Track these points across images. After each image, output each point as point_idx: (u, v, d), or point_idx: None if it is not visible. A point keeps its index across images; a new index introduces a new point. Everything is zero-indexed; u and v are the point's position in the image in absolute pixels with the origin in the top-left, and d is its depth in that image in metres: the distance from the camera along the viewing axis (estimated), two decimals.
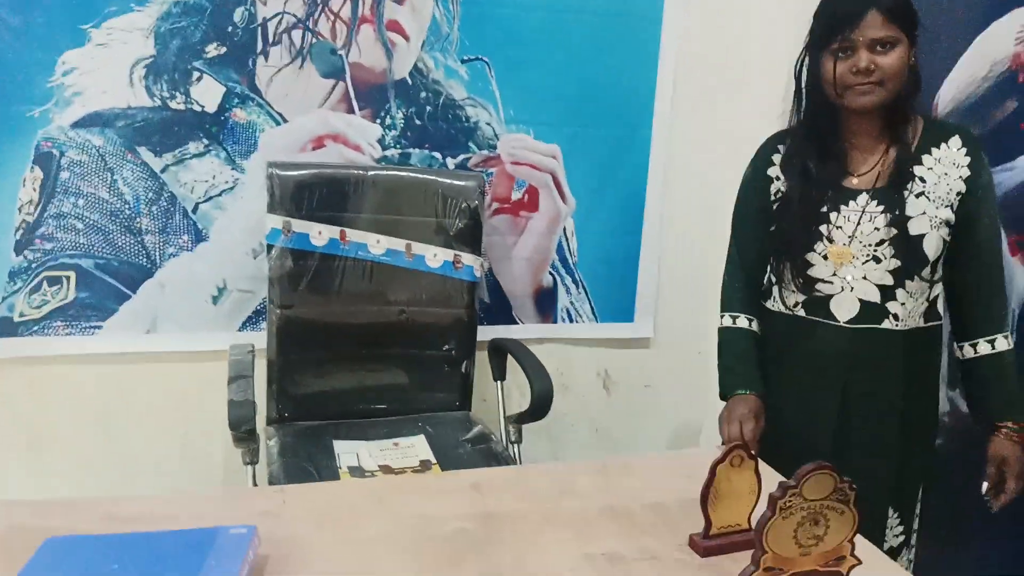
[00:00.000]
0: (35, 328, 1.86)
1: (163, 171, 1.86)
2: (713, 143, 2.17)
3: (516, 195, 2.11)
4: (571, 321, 2.23)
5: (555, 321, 2.22)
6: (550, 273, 2.18)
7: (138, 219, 1.87)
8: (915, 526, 1.57)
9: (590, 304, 2.23)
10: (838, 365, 1.49)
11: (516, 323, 2.18)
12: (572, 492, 1.26)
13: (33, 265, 1.83)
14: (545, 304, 2.20)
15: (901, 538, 1.54)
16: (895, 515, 1.53)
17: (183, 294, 1.93)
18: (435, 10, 1.94)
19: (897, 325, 1.45)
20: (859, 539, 1.00)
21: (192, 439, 1.99)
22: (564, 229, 2.17)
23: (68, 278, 1.86)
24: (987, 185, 1.44)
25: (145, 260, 1.89)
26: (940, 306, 1.51)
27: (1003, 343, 1.46)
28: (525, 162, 2.09)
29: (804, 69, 1.48)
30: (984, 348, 1.47)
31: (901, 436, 1.50)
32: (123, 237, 1.87)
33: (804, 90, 1.50)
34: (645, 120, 2.15)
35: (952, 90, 1.82)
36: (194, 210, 1.90)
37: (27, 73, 1.75)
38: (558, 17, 2.02)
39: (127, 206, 1.86)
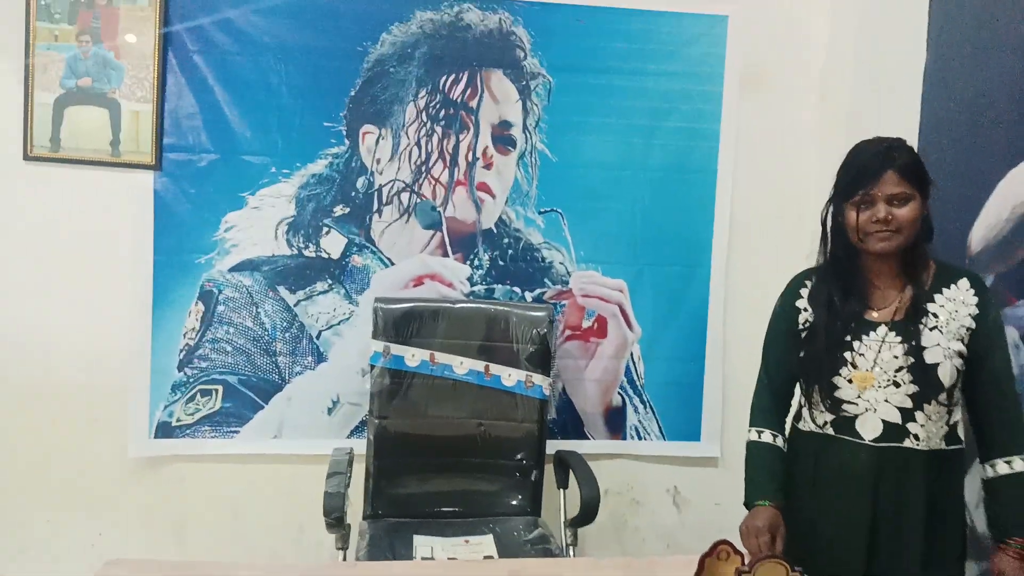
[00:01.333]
0: (188, 431, 2.29)
1: (296, 305, 2.30)
2: (766, 277, 2.36)
3: (586, 323, 2.40)
4: (640, 439, 2.44)
5: (624, 438, 2.43)
6: (619, 393, 2.42)
7: (274, 343, 2.30)
8: None
9: (658, 423, 2.44)
10: (866, 480, 1.59)
11: (587, 439, 2.41)
12: None
13: (191, 380, 2.29)
14: (615, 422, 2.43)
15: None
16: None
17: (305, 406, 2.32)
18: (517, 172, 2.34)
19: (919, 445, 1.56)
20: None
21: (307, 531, 2.33)
22: (632, 354, 2.42)
23: (217, 391, 2.29)
24: (995, 320, 1.57)
25: (277, 377, 2.31)
26: (960, 431, 1.62)
27: (1020, 464, 1.53)
28: (594, 295, 2.39)
29: (829, 216, 1.67)
30: (1003, 468, 1.55)
31: (928, 552, 1.58)
32: (261, 358, 2.30)
33: (829, 234, 1.68)
34: (704, 259, 2.42)
35: (982, 230, 1.97)
36: (318, 336, 2.31)
37: (198, 229, 2.27)
38: (622, 174, 2.37)
39: (266, 333, 2.30)
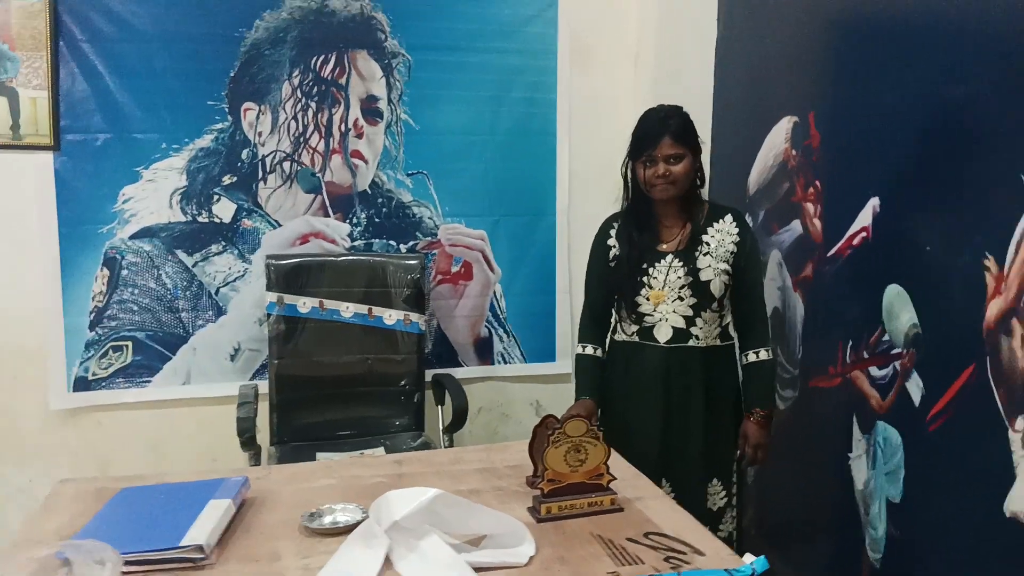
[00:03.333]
0: (103, 384, 2.57)
1: (194, 266, 2.60)
2: (600, 220, 2.85)
3: (455, 268, 2.81)
4: (505, 363, 2.90)
5: (492, 363, 2.89)
6: (486, 326, 2.86)
7: (176, 301, 2.60)
8: (734, 491, 2.11)
9: (519, 348, 2.91)
10: (660, 373, 2.03)
11: (461, 366, 2.85)
12: (461, 461, 1.88)
13: (102, 338, 2.55)
14: (484, 350, 2.88)
15: (724, 500, 2.08)
16: (718, 483, 2.08)
17: (209, 354, 2.64)
18: (385, 140, 2.70)
19: (699, 343, 2.02)
20: (622, 467, 1.62)
21: (220, 459, 2.66)
22: (494, 292, 2.86)
23: (127, 346, 2.57)
24: (752, 245, 2.05)
25: (182, 331, 2.61)
26: (731, 331, 2.09)
27: (764, 355, 2.04)
28: (460, 244, 2.80)
29: (628, 171, 2.08)
30: (752, 357, 2.05)
31: (709, 423, 2.04)
32: (166, 315, 2.59)
33: (629, 185, 2.09)
34: (550, 207, 2.88)
35: (755, 175, 2.50)
36: (216, 292, 2.62)
37: (98, 202, 2.52)
38: (476, 138, 2.78)
39: (169, 292, 2.59)
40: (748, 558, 1.35)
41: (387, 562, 1.34)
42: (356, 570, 1.32)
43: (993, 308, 1.60)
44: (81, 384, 2.54)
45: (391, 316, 2.58)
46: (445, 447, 2.47)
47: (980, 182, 1.65)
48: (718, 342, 2.06)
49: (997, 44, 1.61)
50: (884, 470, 1.95)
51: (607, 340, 2.17)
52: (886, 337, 1.92)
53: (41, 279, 2.48)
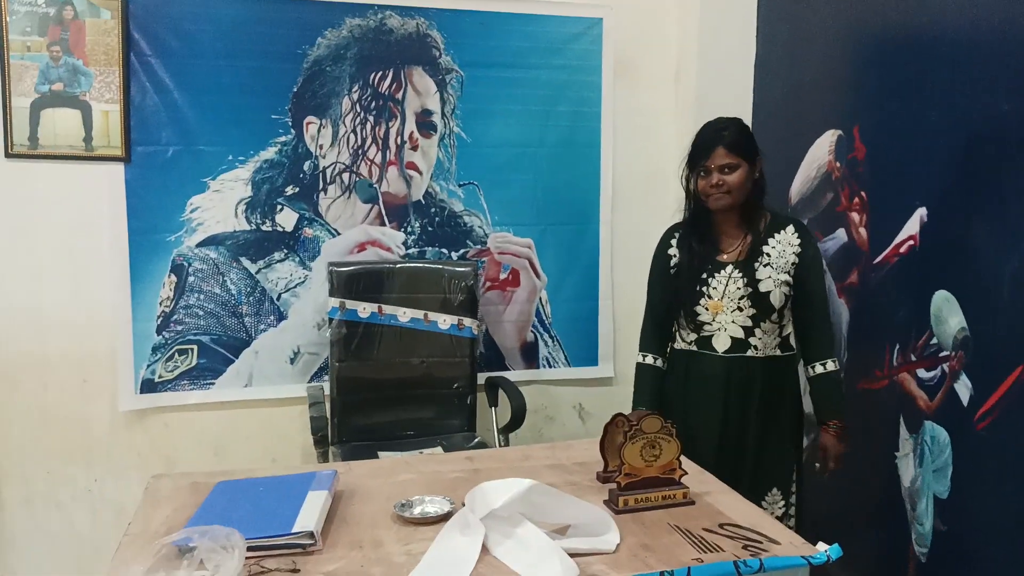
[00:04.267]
0: (169, 386, 2.67)
1: (257, 272, 2.70)
2: (643, 230, 2.97)
3: (503, 275, 2.92)
4: (550, 367, 3.00)
5: (538, 367, 2.99)
6: (532, 331, 2.97)
7: (240, 306, 2.70)
8: (793, 501, 2.13)
9: (563, 353, 3.01)
10: (719, 382, 2.06)
11: (508, 369, 2.95)
12: (530, 457, 1.98)
13: (169, 342, 2.66)
14: (530, 354, 2.98)
15: (783, 509, 2.09)
16: (777, 492, 2.10)
17: (270, 358, 2.74)
18: (439, 152, 2.81)
19: (757, 353, 2.04)
20: (688, 464, 1.71)
21: (280, 459, 2.76)
22: (540, 298, 2.96)
23: (193, 350, 2.68)
24: (814, 256, 2.05)
25: (244, 335, 2.71)
26: (792, 341, 2.11)
27: (832, 366, 2.04)
28: (508, 252, 2.91)
29: (687, 182, 2.10)
30: (818, 369, 2.05)
31: (767, 433, 2.06)
32: (230, 319, 2.70)
33: (689, 195, 2.12)
34: (594, 217, 2.98)
35: (798, 185, 2.61)
36: (278, 298, 2.73)
37: (167, 211, 2.62)
38: (524, 151, 2.89)
39: (232, 298, 2.69)
40: (821, 546, 1.45)
41: (483, 549, 1.43)
42: (457, 556, 1.41)
43: None
44: (148, 386, 2.64)
45: (445, 321, 2.68)
46: (500, 447, 2.56)
47: None
48: (777, 352, 2.08)
49: None
50: (932, 468, 2.04)
51: (668, 348, 2.20)
52: (934, 340, 2.03)
53: (111, 286, 2.58)
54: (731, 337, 2.05)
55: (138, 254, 2.60)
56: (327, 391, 2.61)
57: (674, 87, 2.97)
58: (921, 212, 2.07)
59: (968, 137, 1.92)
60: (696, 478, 1.78)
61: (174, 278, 2.64)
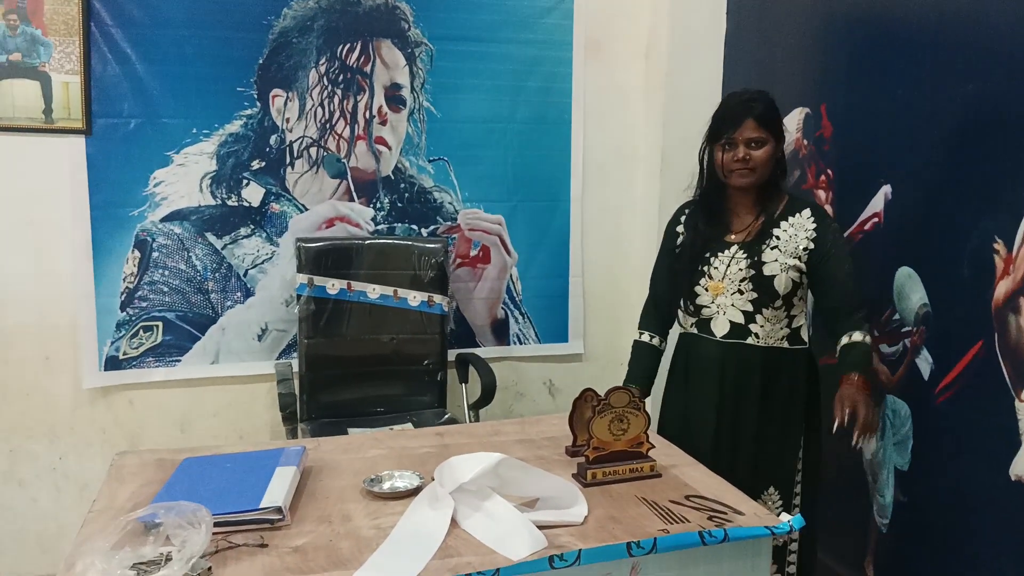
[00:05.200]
0: (134, 363, 2.63)
1: (223, 248, 2.66)
2: (613, 207, 2.99)
3: (473, 252, 2.91)
4: (520, 343, 3.00)
5: (508, 344, 2.99)
6: (502, 308, 2.97)
7: (206, 283, 2.66)
8: (795, 502, 1.98)
9: (534, 329, 3.01)
10: (715, 369, 1.95)
11: (479, 346, 2.95)
12: (499, 433, 1.98)
13: (133, 318, 2.61)
14: (500, 331, 2.98)
15: (779, 508, 1.94)
16: (774, 491, 1.96)
17: (238, 334, 2.71)
18: (408, 127, 2.78)
19: (758, 342, 1.91)
20: (654, 437, 1.73)
21: (247, 436, 2.74)
22: (511, 275, 2.96)
23: (157, 326, 2.64)
24: (834, 241, 1.88)
25: (211, 311, 2.68)
26: (804, 335, 1.95)
27: (858, 336, 1.85)
28: (478, 228, 2.89)
29: (705, 154, 1.97)
30: (845, 340, 1.86)
31: (766, 428, 1.92)
32: (195, 296, 2.66)
33: (704, 171, 1.99)
34: (564, 194, 2.98)
35: None
36: (245, 274, 2.69)
37: (129, 186, 2.57)
38: (494, 126, 2.86)
39: (198, 274, 2.65)
40: (784, 516, 1.47)
41: (453, 523, 1.44)
42: (426, 530, 1.42)
43: (1001, 288, 1.74)
44: (112, 363, 2.60)
45: (415, 298, 2.66)
46: (470, 422, 2.57)
47: (989, 170, 1.79)
48: (784, 344, 1.94)
49: (1008, 37, 1.73)
50: (893, 440, 2.09)
51: (668, 329, 2.14)
52: (896, 316, 2.06)
53: (73, 261, 2.53)
54: (730, 321, 1.94)
55: (100, 229, 2.54)
56: (295, 368, 2.59)
57: (644, 64, 2.97)
58: (886, 190, 2.10)
59: (933, 116, 1.94)
60: (662, 451, 1.80)
61: (138, 254, 2.59)
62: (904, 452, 2.05)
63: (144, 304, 2.61)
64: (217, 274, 2.66)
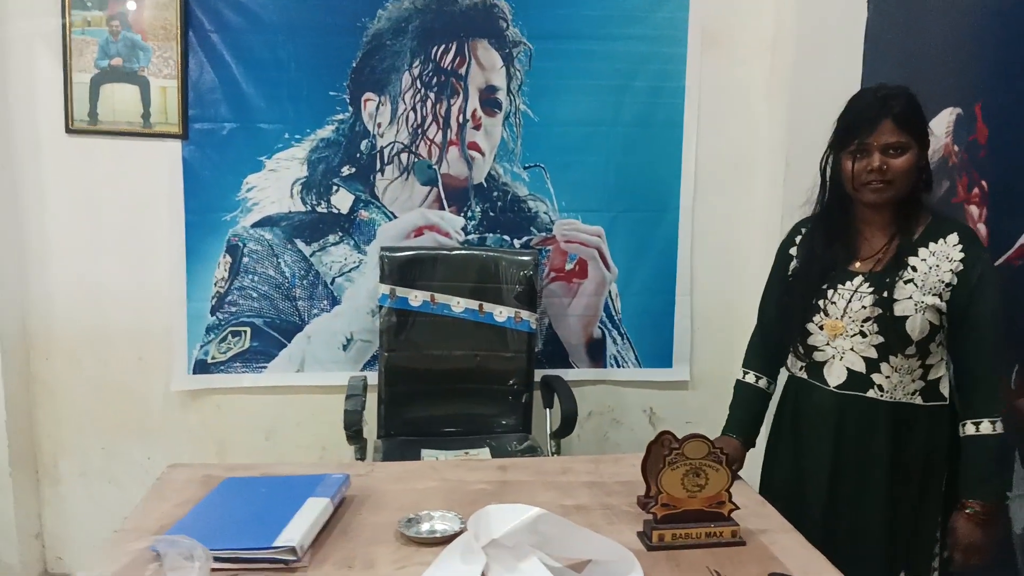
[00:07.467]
0: (222, 368, 2.62)
1: (311, 255, 2.61)
2: (727, 219, 2.69)
3: (569, 266, 2.70)
4: (618, 366, 2.77)
5: (604, 366, 2.76)
6: (599, 327, 2.74)
7: (293, 289, 2.62)
8: None
9: (634, 352, 2.77)
10: (827, 425, 1.63)
11: (572, 367, 2.74)
12: (569, 472, 1.78)
13: (222, 323, 2.61)
14: (596, 352, 2.76)
15: None
16: None
17: (323, 343, 2.64)
18: (503, 132, 2.62)
19: (882, 396, 1.57)
20: (747, 493, 1.46)
21: (329, 448, 2.67)
22: (610, 292, 2.73)
23: (246, 332, 2.62)
24: (981, 277, 1.51)
25: (297, 318, 2.63)
26: (944, 389, 1.58)
27: (987, 427, 1.49)
28: (575, 240, 2.69)
29: (828, 164, 1.65)
30: (970, 429, 1.52)
31: (897, 502, 1.60)
32: (283, 302, 2.62)
33: (827, 183, 1.67)
34: (673, 203, 2.71)
35: None
36: (332, 282, 2.63)
37: (222, 190, 2.56)
38: (596, 130, 2.65)
39: (286, 280, 2.61)
40: None
41: None
42: None
43: None
44: (200, 367, 2.61)
45: (501, 313, 2.50)
46: (552, 452, 2.37)
47: None
48: (917, 400, 1.58)
49: None
50: None
51: (778, 369, 1.82)
52: None
53: (168, 264, 2.55)
54: (847, 369, 1.60)
55: (194, 233, 2.55)
56: (371, 381, 2.49)
57: (769, 60, 2.65)
58: None
59: None
60: (753, 510, 1.53)
61: (229, 258, 2.58)
62: None
63: (234, 309, 2.60)
64: (305, 281, 2.62)
